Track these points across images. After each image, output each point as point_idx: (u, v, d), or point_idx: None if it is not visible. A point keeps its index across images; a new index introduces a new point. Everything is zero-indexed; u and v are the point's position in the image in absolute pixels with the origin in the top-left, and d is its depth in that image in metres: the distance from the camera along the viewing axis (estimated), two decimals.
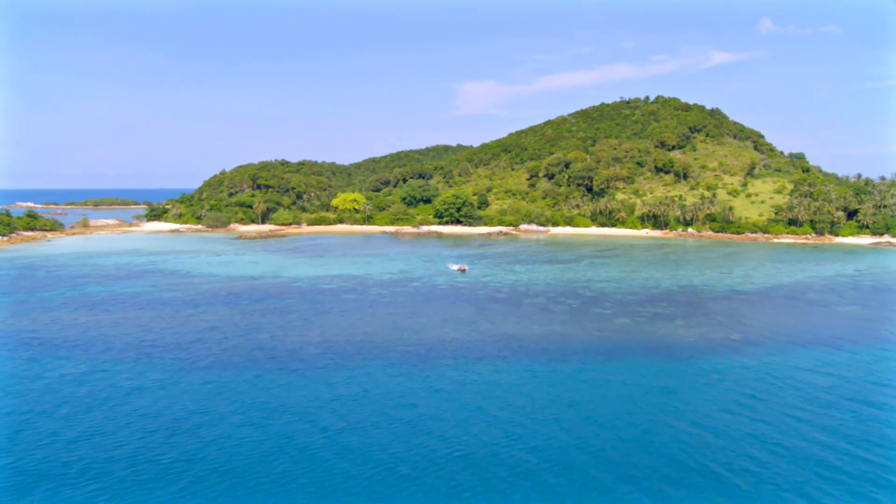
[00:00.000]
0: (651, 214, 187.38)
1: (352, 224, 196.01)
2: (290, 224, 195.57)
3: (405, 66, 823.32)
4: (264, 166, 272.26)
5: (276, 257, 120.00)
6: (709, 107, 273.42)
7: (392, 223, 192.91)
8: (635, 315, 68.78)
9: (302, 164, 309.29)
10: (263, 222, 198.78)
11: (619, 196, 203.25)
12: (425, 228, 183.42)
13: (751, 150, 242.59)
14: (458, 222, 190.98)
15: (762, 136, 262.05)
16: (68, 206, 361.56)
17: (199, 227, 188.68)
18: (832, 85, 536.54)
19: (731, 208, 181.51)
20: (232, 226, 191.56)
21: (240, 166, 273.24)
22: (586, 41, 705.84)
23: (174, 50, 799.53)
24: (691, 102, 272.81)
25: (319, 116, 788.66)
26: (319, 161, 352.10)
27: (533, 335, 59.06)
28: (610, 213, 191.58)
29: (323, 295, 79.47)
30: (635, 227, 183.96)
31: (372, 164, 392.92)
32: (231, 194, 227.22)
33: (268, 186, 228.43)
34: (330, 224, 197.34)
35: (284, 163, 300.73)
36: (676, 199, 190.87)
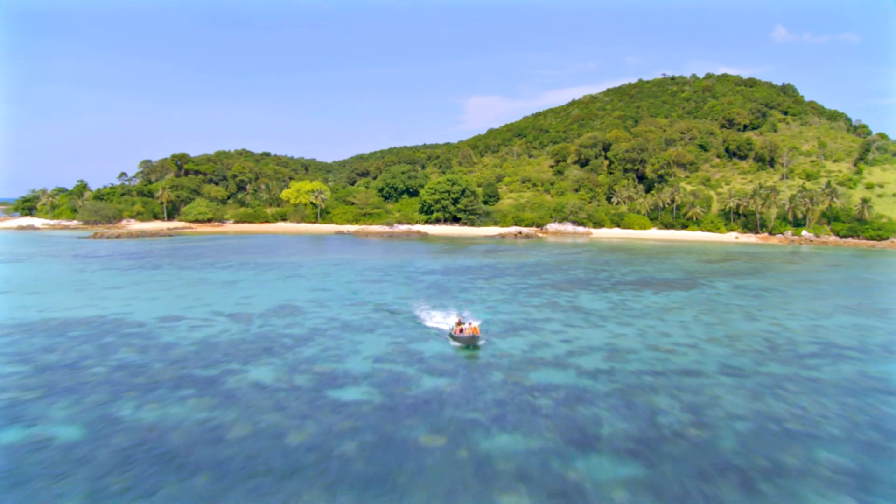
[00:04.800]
0: (738, 211, 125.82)
1: (298, 222, 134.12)
2: (207, 220, 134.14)
3: (410, 80, 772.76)
4: (220, 155, 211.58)
5: (52, 272, 58.35)
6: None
7: (356, 220, 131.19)
8: None
9: (265, 154, 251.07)
10: (171, 217, 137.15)
11: (686, 186, 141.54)
12: (402, 227, 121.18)
13: (844, 131, 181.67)
14: (456, 220, 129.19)
15: (849, 119, 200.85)
16: None
17: (73, 222, 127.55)
18: (839, 102, 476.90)
19: (866, 202, 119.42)
20: (124, 221, 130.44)
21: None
22: (592, 56, 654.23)
23: (182, 62, 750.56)
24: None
25: (320, 128, 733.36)
26: (296, 157, 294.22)
27: None
28: (678, 208, 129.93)
29: None
30: (717, 230, 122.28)
31: (359, 162, 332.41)
32: (149, 182, 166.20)
33: (197, 172, 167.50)
34: (267, 221, 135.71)
35: (244, 152, 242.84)
36: (772, 190, 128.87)
